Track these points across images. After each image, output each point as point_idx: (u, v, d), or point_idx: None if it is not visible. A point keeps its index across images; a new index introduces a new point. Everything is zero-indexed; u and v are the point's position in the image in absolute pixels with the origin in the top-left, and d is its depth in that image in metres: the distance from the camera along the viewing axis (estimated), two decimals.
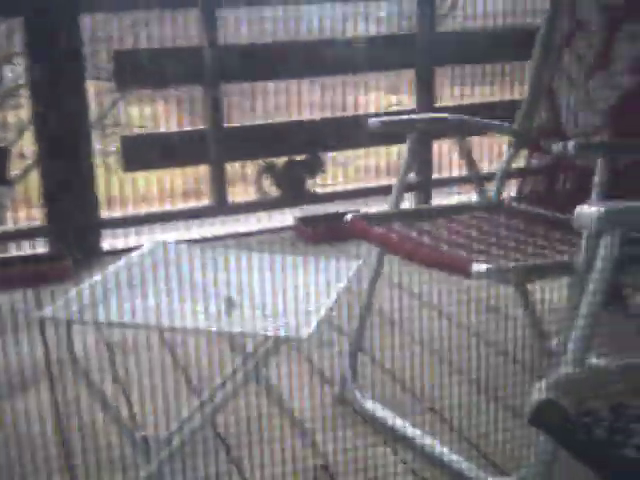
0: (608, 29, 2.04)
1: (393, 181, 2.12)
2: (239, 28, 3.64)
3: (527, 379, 2.15)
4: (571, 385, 1.20)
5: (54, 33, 3.01)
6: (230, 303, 1.65)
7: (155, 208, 3.61)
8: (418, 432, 1.91)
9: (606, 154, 1.62)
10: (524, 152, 2.26)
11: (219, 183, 3.43)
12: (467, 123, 2.16)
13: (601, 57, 2.04)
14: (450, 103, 3.83)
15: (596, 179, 1.62)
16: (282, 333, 1.49)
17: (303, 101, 3.69)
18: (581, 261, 1.49)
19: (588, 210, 1.23)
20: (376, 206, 3.54)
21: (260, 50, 3.43)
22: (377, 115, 3.01)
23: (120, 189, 3.62)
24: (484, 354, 2.27)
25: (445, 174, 3.71)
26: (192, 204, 3.60)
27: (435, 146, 3.67)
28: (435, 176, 3.71)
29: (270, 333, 1.50)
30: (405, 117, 2.15)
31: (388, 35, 3.68)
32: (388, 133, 2.13)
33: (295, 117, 3.63)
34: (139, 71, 3.22)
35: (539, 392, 1.17)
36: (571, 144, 1.57)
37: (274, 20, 3.62)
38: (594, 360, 2.10)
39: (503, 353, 2.29)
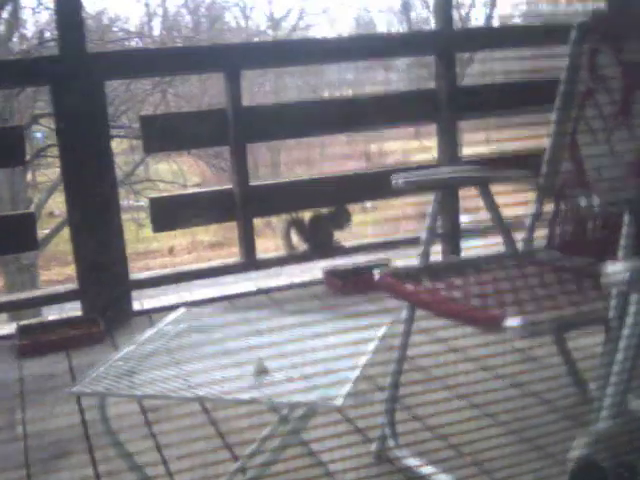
0: (629, 85, 2.05)
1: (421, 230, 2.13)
2: (262, 83, 3.70)
3: (569, 427, 2.12)
4: (608, 440, 1.19)
5: (80, 97, 3.08)
6: (262, 369, 1.65)
7: (185, 265, 3.64)
8: None
9: (632, 209, 1.62)
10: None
11: (247, 240, 3.46)
12: (489, 175, 2.17)
13: (623, 112, 2.05)
14: (474, 149, 3.85)
15: (623, 232, 1.61)
16: (315, 401, 1.49)
17: (329, 152, 3.73)
18: (612, 316, 1.48)
19: (615, 268, 1.23)
20: (405, 256, 3.56)
21: (282, 110, 3.48)
22: (401, 169, 3.02)
23: (150, 243, 3.66)
24: (524, 404, 2.24)
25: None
26: (220, 260, 3.63)
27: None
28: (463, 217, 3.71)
29: (303, 401, 1.50)
30: (428, 174, 2.16)
31: (410, 91, 3.73)
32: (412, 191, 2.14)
33: (321, 167, 3.67)
34: (165, 135, 3.28)
35: (577, 450, 1.17)
36: (596, 202, 1.57)
37: (295, 74, 3.69)
38: (633, 405, 2.07)
39: (543, 402, 2.27)
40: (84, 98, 3.09)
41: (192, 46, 3.31)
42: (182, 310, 2.05)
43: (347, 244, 3.68)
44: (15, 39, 8.92)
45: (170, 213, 3.39)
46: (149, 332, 1.90)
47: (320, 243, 3.57)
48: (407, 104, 3.57)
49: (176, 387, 1.60)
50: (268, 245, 3.75)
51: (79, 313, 3.25)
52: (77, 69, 3.07)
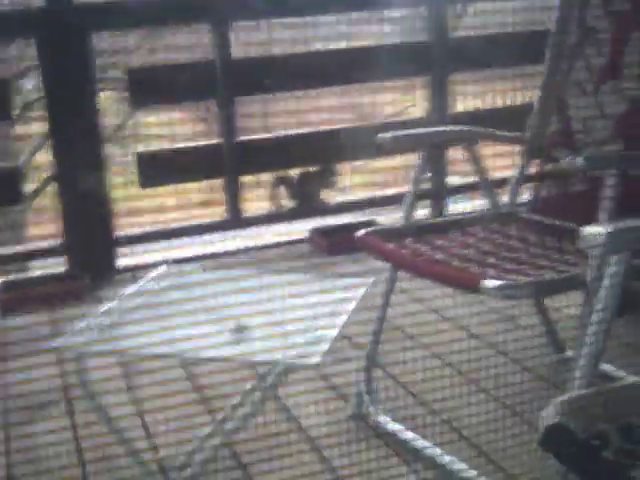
0: (617, 37, 2.02)
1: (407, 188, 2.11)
2: (251, 36, 3.64)
3: (544, 391, 2.14)
4: (580, 407, 1.19)
5: (65, 49, 3.03)
6: (241, 327, 1.65)
7: (171, 221, 3.62)
8: (435, 448, 1.90)
9: (616, 166, 1.60)
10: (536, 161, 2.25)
11: (234, 197, 3.44)
12: (477, 134, 2.15)
13: (611, 65, 2.02)
14: (465, 105, 3.81)
15: (605, 192, 1.60)
16: (292, 360, 1.49)
17: (319, 106, 3.69)
18: (590, 278, 1.48)
19: (592, 231, 1.22)
20: (392, 213, 3.55)
21: (273, 62, 3.43)
22: (388, 125, 2.99)
23: (138, 200, 3.64)
24: (500, 366, 2.25)
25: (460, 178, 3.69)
26: (207, 218, 3.61)
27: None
28: (452, 178, 3.70)
29: (281, 359, 1.50)
30: (414, 131, 2.14)
31: (402, 44, 3.67)
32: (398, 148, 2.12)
33: (311, 122, 3.63)
34: (153, 88, 3.24)
35: (548, 416, 1.17)
36: (580, 158, 1.56)
37: (286, 26, 3.63)
38: (606, 367, 2.08)
39: (520, 364, 2.28)
40: (70, 50, 3.04)
41: None
42: (164, 267, 2.04)
43: (334, 202, 3.66)
44: None
45: (158, 168, 3.36)
46: (130, 288, 1.90)
47: (307, 201, 3.55)
48: (399, 56, 3.51)
49: (155, 343, 1.60)
50: (258, 204, 3.72)
51: (64, 269, 3.25)
52: (63, 21, 3.02)
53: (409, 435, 1.96)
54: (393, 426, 2.02)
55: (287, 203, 3.60)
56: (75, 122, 3.12)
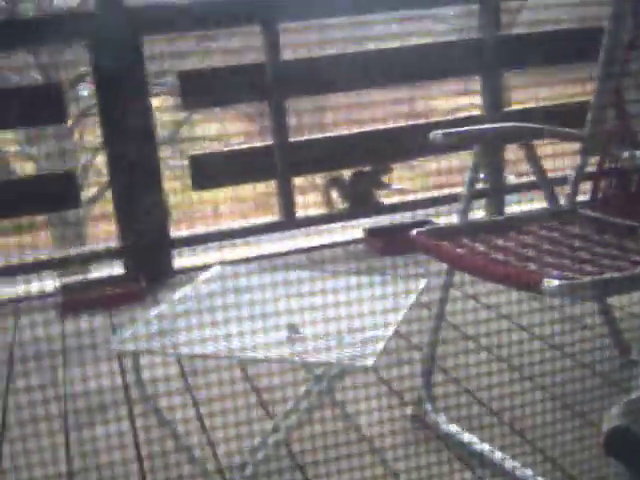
0: None
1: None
2: (303, 37, 3.63)
3: (608, 393, 2.08)
4: None
5: (118, 54, 3.07)
6: (296, 328, 1.64)
7: (225, 223, 3.64)
8: (497, 451, 1.86)
9: None
10: (596, 157, 2.19)
11: (287, 198, 3.43)
12: (532, 131, 2.10)
13: None
14: (522, 103, 3.75)
15: None
16: (347, 362, 1.47)
17: (374, 108, 3.66)
18: None
19: None
20: (447, 214, 3.51)
21: (323, 63, 3.42)
22: (442, 124, 2.95)
23: (193, 203, 3.66)
24: (564, 367, 2.20)
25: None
26: (260, 219, 3.63)
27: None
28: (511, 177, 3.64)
29: (334, 361, 1.49)
30: (467, 129, 2.10)
31: (453, 41, 3.62)
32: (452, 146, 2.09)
33: (365, 125, 3.61)
34: (204, 90, 3.26)
35: (612, 418, 1.13)
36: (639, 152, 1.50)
37: (339, 27, 3.61)
38: None
39: (584, 366, 2.22)
40: (122, 54, 3.07)
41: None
42: (217, 268, 2.05)
43: (388, 202, 3.63)
44: None
45: (210, 170, 3.38)
46: (186, 289, 1.91)
47: (361, 201, 3.53)
48: (451, 55, 3.47)
49: (211, 343, 1.60)
50: (312, 203, 3.72)
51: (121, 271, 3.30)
52: (114, 25, 3.05)
53: (470, 437, 1.92)
54: (452, 428, 1.98)
55: (340, 204, 3.58)
56: (129, 126, 3.15)
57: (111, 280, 3.23)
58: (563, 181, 2.23)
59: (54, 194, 3.19)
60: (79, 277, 3.44)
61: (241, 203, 3.71)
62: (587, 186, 2.20)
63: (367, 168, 3.55)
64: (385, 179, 3.56)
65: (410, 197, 3.79)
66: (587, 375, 2.17)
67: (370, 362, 1.44)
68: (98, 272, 3.52)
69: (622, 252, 1.78)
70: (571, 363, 2.24)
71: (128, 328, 1.71)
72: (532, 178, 2.19)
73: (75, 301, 3.03)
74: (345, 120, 3.42)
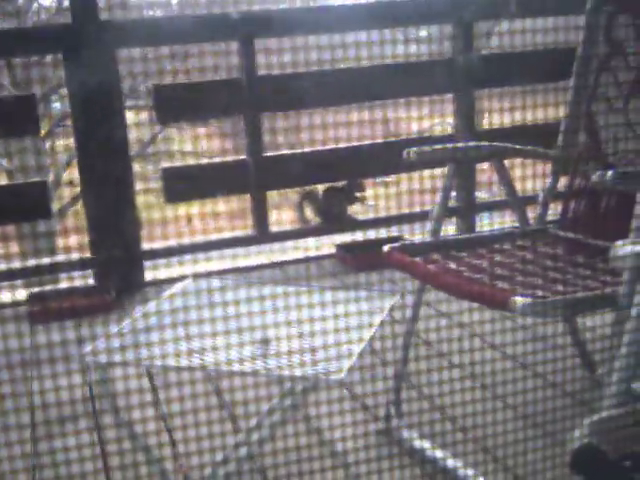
0: None
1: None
2: (274, 56, 3.64)
3: (575, 411, 2.09)
4: (611, 427, 1.17)
5: (92, 66, 3.06)
6: (266, 341, 1.64)
7: (198, 237, 3.63)
8: (465, 468, 1.87)
9: None
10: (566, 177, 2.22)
11: (260, 212, 3.44)
12: (504, 150, 2.13)
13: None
14: (492, 123, 3.78)
15: (637, 209, 1.57)
16: (317, 376, 1.47)
17: (343, 123, 3.67)
18: (622, 296, 1.45)
19: (623, 251, 1.20)
20: (419, 231, 3.53)
21: (297, 79, 3.44)
22: (415, 141, 2.97)
23: (163, 216, 3.65)
24: (533, 386, 2.21)
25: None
26: (233, 233, 3.62)
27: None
28: (480, 194, 3.68)
29: (305, 375, 1.49)
30: (439, 147, 2.13)
31: (426, 61, 3.66)
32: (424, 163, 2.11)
33: (338, 138, 3.62)
34: (179, 104, 3.26)
35: (579, 436, 1.14)
36: (609, 174, 1.53)
37: (307, 48, 3.62)
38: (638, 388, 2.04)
39: (553, 385, 2.24)
40: (97, 67, 3.06)
41: (204, 14, 3.27)
42: (189, 280, 2.05)
43: (361, 218, 3.65)
44: (34, 8, 8.89)
45: (182, 184, 3.37)
46: (155, 301, 1.90)
47: (333, 216, 3.54)
48: (423, 73, 3.51)
49: (181, 356, 1.60)
50: (284, 218, 3.72)
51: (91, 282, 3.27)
52: (89, 37, 3.05)
53: (437, 453, 1.93)
54: (420, 443, 1.99)
55: (313, 219, 3.59)
56: (102, 139, 3.14)
57: (81, 291, 3.20)
58: (534, 200, 2.26)
59: (25, 204, 3.16)
60: (49, 287, 3.41)
61: (215, 217, 3.70)
62: (558, 206, 2.23)
63: (341, 184, 3.56)
64: (358, 195, 3.57)
65: (382, 214, 3.81)
66: (556, 394, 2.19)
67: (340, 376, 1.44)
68: (68, 283, 3.49)
69: (592, 272, 1.81)
70: (540, 382, 2.25)
71: (97, 339, 1.70)
72: (503, 197, 2.22)
73: (44, 310, 3.00)
74: (317, 140, 3.44)
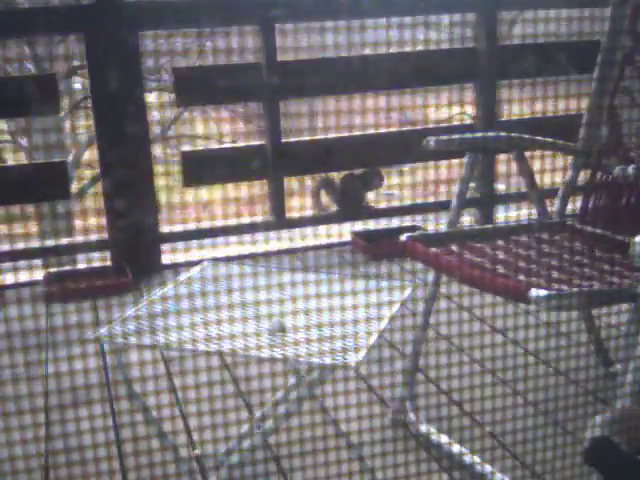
0: None
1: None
2: (299, 40, 3.62)
3: (591, 405, 2.09)
4: (627, 422, 1.16)
5: (114, 47, 3.06)
6: (282, 327, 1.64)
7: (215, 221, 3.64)
8: (476, 457, 1.86)
9: None
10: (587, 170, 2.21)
11: (278, 198, 3.44)
12: (525, 141, 2.11)
13: None
14: (514, 112, 3.76)
15: None
16: (330, 361, 1.47)
17: (367, 112, 3.66)
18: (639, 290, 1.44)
19: None
20: (437, 221, 3.52)
21: (318, 66, 3.43)
22: (435, 130, 2.96)
23: (182, 199, 3.65)
24: (546, 377, 2.21)
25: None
26: (251, 218, 3.62)
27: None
28: (501, 187, 3.67)
29: (318, 360, 1.49)
30: (459, 136, 2.11)
31: (448, 49, 3.64)
32: (443, 151, 2.10)
33: (359, 126, 3.61)
34: (198, 88, 3.26)
35: (594, 429, 1.14)
36: (631, 169, 1.51)
37: (335, 31, 3.60)
38: None
39: (566, 377, 2.23)
40: (117, 49, 3.07)
41: None
42: (207, 263, 2.05)
43: (379, 206, 3.64)
44: None
45: (201, 168, 3.38)
46: (172, 283, 1.90)
47: (350, 204, 3.53)
48: (445, 63, 3.49)
49: (197, 338, 1.60)
50: (302, 204, 3.72)
51: (108, 263, 3.29)
52: (111, 18, 3.05)
53: (451, 445, 1.93)
54: (435, 435, 1.99)
55: (330, 206, 3.59)
56: (122, 120, 3.14)
57: (96, 271, 3.22)
58: (554, 193, 2.24)
59: (44, 184, 3.18)
60: (65, 268, 3.43)
61: (233, 202, 3.70)
62: (578, 199, 2.22)
63: (359, 171, 3.55)
64: (376, 183, 3.56)
65: (399, 203, 3.80)
66: (569, 386, 2.19)
67: (353, 361, 1.44)
68: (86, 264, 3.51)
69: (610, 266, 1.80)
70: (553, 373, 2.25)
71: (113, 321, 1.71)
72: (523, 189, 2.21)
73: (60, 291, 3.02)
74: (335, 125, 3.43)
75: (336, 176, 3.55)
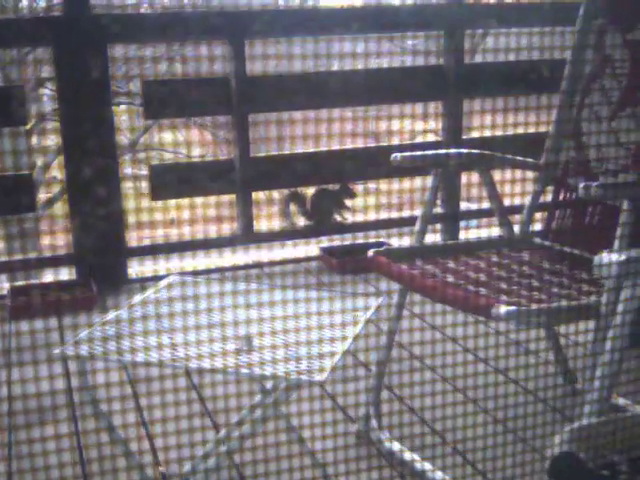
0: (635, 67, 2.01)
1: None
2: (268, 62, 3.64)
3: (554, 420, 2.11)
4: (590, 436, 1.17)
5: (82, 60, 3.05)
6: (248, 340, 1.64)
7: (183, 234, 3.62)
8: (441, 474, 1.87)
9: (631, 195, 1.59)
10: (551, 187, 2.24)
11: (246, 212, 3.43)
12: (490, 159, 2.14)
13: (628, 94, 2.01)
14: (479, 133, 3.81)
15: (621, 219, 1.58)
16: (296, 377, 1.47)
17: (334, 129, 3.67)
18: (604, 305, 1.46)
19: (607, 260, 1.20)
20: (405, 236, 3.54)
21: (287, 81, 3.44)
22: (402, 147, 2.99)
23: (150, 213, 3.63)
24: (511, 393, 2.22)
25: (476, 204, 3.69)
26: (218, 232, 3.61)
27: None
28: (464, 205, 3.70)
29: (286, 375, 1.49)
30: (425, 153, 2.13)
31: (416, 67, 3.68)
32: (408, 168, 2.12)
33: (325, 146, 3.63)
34: (167, 101, 3.25)
35: (557, 444, 1.15)
36: (594, 186, 1.54)
37: (304, 57, 3.62)
38: (620, 401, 2.06)
39: (530, 392, 2.25)
40: (86, 60, 3.05)
41: (195, 11, 3.27)
42: (173, 277, 2.04)
43: (349, 222, 3.65)
44: (25, 2, 8.85)
45: (170, 182, 3.36)
46: (138, 297, 1.89)
47: (320, 219, 3.54)
48: (412, 80, 3.53)
49: (162, 355, 1.59)
50: (269, 220, 3.72)
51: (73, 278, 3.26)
52: (79, 31, 3.03)
53: (415, 458, 1.94)
54: (398, 448, 2.00)
55: (298, 220, 3.59)
56: (89, 133, 3.12)
57: (62, 285, 3.18)
58: (518, 209, 2.27)
59: (8, 197, 3.14)
60: (30, 281, 3.39)
61: (201, 216, 3.69)
62: (541, 215, 2.25)
63: (330, 187, 3.57)
64: (347, 200, 3.58)
65: (367, 219, 3.81)
66: (533, 401, 2.21)
67: (321, 378, 1.44)
68: (50, 277, 3.47)
69: (574, 282, 1.82)
70: (517, 388, 2.27)
71: (78, 333, 1.69)
72: (487, 205, 2.23)
73: (25, 304, 2.98)
74: (304, 140, 3.44)
75: (307, 191, 3.56)
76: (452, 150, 2.52)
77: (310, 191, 3.59)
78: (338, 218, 3.58)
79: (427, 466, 1.89)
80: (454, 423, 2.01)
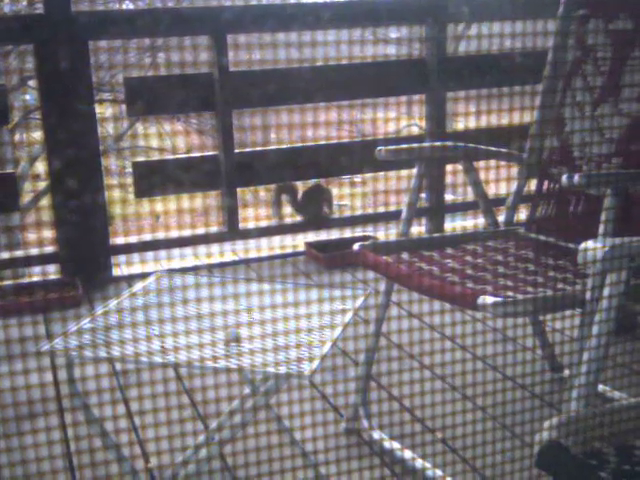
0: (617, 56, 2.02)
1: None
2: (251, 53, 3.64)
3: (541, 410, 2.12)
4: (577, 425, 1.18)
5: (63, 57, 3.03)
6: (235, 337, 1.64)
7: (169, 231, 3.61)
8: (428, 464, 1.88)
9: (614, 184, 1.60)
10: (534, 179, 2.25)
11: (231, 208, 3.43)
12: (473, 151, 2.15)
13: (610, 84, 2.02)
14: (463, 126, 3.82)
15: (604, 208, 1.59)
16: (284, 370, 1.48)
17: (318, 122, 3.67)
18: (588, 294, 1.47)
19: (592, 247, 1.21)
20: (389, 231, 3.55)
21: (270, 76, 3.44)
22: (387, 140, 3.00)
23: (136, 209, 3.62)
24: (496, 384, 2.24)
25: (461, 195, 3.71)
26: (204, 229, 3.61)
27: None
28: (449, 197, 3.71)
29: (272, 369, 1.49)
30: (409, 146, 2.14)
31: (399, 60, 3.68)
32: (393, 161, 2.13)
33: (310, 139, 3.63)
34: (150, 98, 3.24)
35: (545, 434, 1.15)
36: (577, 176, 1.55)
37: (287, 46, 3.62)
38: (605, 389, 2.08)
39: (516, 383, 2.26)
40: (67, 58, 3.03)
41: (177, 7, 3.25)
42: (159, 274, 2.04)
43: (333, 217, 3.66)
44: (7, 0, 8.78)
45: (154, 179, 3.35)
46: (125, 294, 1.89)
47: (311, 214, 3.54)
48: (395, 73, 3.53)
49: (149, 351, 1.59)
50: (255, 215, 3.72)
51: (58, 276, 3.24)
52: (61, 28, 3.02)
53: (403, 452, 1.95)
54: (387, 442, 2.00)
55: (288, 211, 3.59)
56: (72, 132, 3.11)
57: (47, 285, 3.17)
58: (502, 201, 2.29)
59: None
60: (14, 281, 3.37)
61: (185, 213, 3.69)
62: (526, 207, 2.26)
63: (318, 183, 3.57)
64: (333, 196, 3.59)
65: (352, 213, 3.83)
66: (520, 392, 2.22)
67: (307, 371, 1.45)
68: (34, 277, 3.45)
69: (559, 273, 1.83)
70: (504, 379, 2.28)
71: (64, 333, 1.69)
72: (472, 198, 2.24)
73: (10, 304, 2.97)
74: (289, 138, 3.44)
75: (297, 185, 3.57)
76: (435, 143, 2.53)
77: (300, 184, 3.60)
78: (325, 213, 3.59)
79: (419, 463, 1.91)
80: (444, 418, 2.02)
